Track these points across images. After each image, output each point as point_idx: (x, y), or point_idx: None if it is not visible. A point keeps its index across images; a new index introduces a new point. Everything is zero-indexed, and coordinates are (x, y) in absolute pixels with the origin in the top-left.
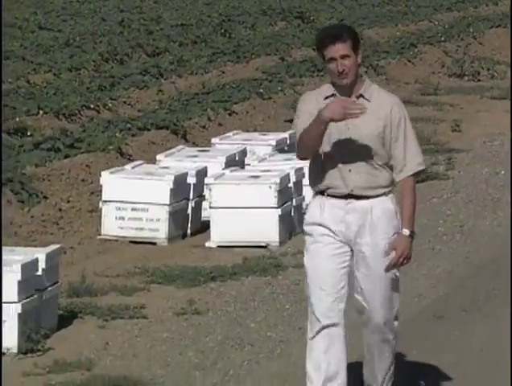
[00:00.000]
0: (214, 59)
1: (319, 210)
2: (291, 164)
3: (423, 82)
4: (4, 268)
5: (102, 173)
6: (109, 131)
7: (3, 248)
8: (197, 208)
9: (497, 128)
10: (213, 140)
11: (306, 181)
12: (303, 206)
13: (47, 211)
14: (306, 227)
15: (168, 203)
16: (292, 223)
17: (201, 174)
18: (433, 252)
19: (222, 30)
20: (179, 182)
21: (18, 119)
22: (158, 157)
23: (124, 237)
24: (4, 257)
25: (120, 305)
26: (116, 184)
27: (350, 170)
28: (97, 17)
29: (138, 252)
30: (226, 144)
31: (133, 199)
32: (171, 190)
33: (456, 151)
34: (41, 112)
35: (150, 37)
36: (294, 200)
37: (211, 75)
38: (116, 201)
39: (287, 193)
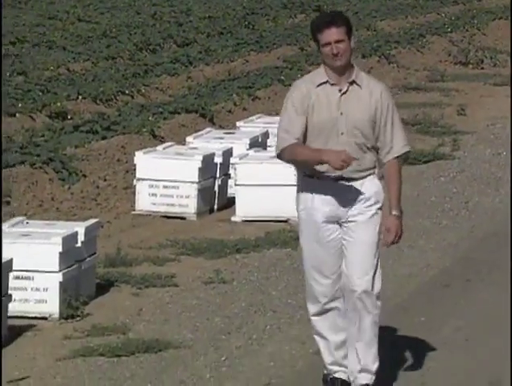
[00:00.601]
0: (239, 49)
1: (310, 193)
2: None
3: (430, 69)
4: (46, 241)
5: (136, 153)
6: (143, 115)
7: (45, 222)
8: (223, 186)
9: (499, 112)
10: (238, 123)
11: None
12: None
13: (86, 188)
14: (300, 213)
15: (197, 180)
16: None
17: (227, 154)
18: (440, 226)
19: (246, 22)
20: (207, 161)
21: (59, 104)
22: (188, 138)
23: (156, 212)
24: (46, 231)
25: (152, 275)
26: (149, 163)
27: None
28: (132, 10)
29: (169, 226)
30: (250, 127)
31: (164, 177)
32: (200, 169)
33: (462, 133)
34: (80, 97)
35: (180, 28)
36: None
37: (236, 64)
38: (149, 179)
39: None
